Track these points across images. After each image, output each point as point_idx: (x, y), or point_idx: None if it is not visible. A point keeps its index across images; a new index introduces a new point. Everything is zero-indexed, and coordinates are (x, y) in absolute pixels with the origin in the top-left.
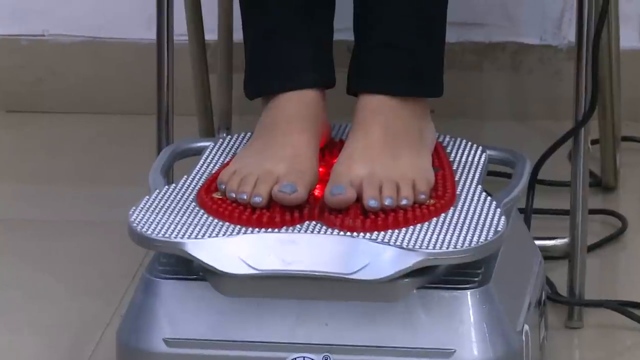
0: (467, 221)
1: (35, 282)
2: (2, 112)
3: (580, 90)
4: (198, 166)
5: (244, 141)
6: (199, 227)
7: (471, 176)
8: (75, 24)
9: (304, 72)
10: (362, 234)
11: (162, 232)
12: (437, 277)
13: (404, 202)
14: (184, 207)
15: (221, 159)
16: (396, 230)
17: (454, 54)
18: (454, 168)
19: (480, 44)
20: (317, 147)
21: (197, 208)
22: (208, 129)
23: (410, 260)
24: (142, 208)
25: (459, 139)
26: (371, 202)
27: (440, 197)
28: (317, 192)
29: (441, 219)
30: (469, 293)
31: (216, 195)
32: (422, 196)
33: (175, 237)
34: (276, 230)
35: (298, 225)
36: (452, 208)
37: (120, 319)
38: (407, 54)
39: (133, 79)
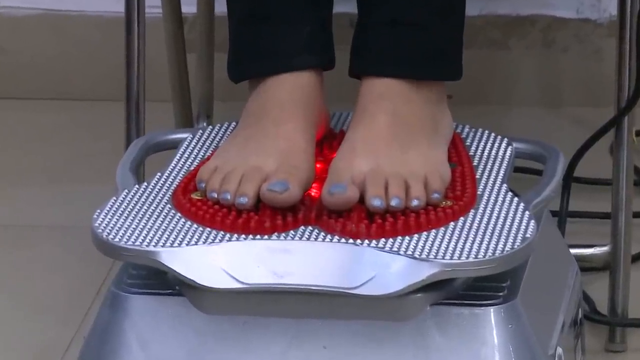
0: (490, 226)
1: None
2: None
3: (623, 72)
4: (174, 162)
5: (228, 132)
6: (174, 233)
7: (495, 173)
8: None
9: (299, 52)
10: (366, 241)
11: (132, 239)
12: (454, 291)
13: (414, 202)
14: (157, 210)
15: (201, 153)
16: (407, 237)
17: (475, 29)
18: (475, 163)
19: (507, 17)
20: (314, 138)
21: (173, 211)
22: (185, 118)
23: (424, 272)
24: (108, 211)
25: (480, 130)
26: (375, 202)
27: (459, 197)
28: (313, 192)
29: (459, 223)
30: (492, 310)
31: (195, 196)
32: (436, 195)
33: (146, 245)
34: (266, 236)
35: (291, 231)
36: (472, 210)
37: (83, 342)
38: (419, 31)
39: (98, 59)
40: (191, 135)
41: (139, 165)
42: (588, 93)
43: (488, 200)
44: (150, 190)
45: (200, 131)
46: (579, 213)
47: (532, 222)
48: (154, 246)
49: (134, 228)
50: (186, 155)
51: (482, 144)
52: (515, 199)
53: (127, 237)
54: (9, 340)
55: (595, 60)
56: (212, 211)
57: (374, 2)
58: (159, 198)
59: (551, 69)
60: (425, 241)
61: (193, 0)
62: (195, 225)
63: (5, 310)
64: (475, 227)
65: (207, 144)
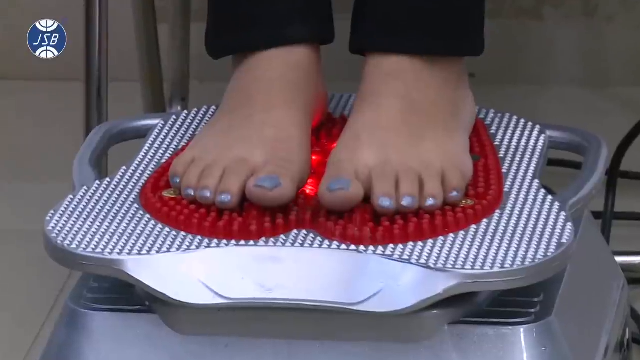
0: (519, 230)
1: None
2: None
3: None
4: (142, 153)
5: (207, 118)
6: (143, 238)
7: (525, 166)
8: None
9: (291, 22)
10: (372, 247)
11: (92, 246)
12: (477, 308)
13: (429, 202)
14: (122, 211)
15: (174, 143)
16: (420, 243)
17: None
18: (501, 155)
19: None
20: (309, 125)
21: (141, 211)
22: (156, 101)
23: (440, 285)
24: (63, 212)
25: (507, 115)
26: (383, 202)
27: (482, 195)
28: (308, 189)
29: (482, 226)
30: (522, 330)
31: (167, 194)
32: (456, 194)
33: (109, 253)
34: (252, 242)
35: (282, 236)
36: (497, 211)
37: None
38: None
39: None
40: (163, 122)
41: (101, 157)
42: (637, 70)
43: (517, 198)
44: (114, 187)
45: (174, 117)
46: (626, 214)
47: (570, 225)
48: (119, 254)
49: (94, 232)
50: (157, 145)
51: (509, 131)
52: (549, 197)
53: (87, 243)
54: None
55: None
56: (188, 212)
57: None
58: (125, 196)
59: (593, 41)
60: (442, 248)
61: None
62: (167, 229)
63: None
64: (502, 231)
65: (181, 131)
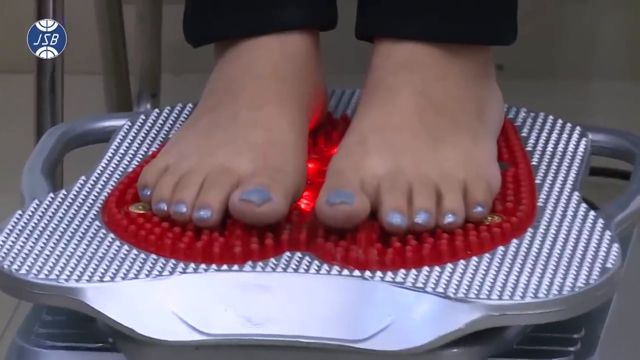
0: (556, 252)
1: None
2: None
3: None
4: (105, 159)
5: (182, 117)
6: (106, 261)
7: (562, 176)
8: None
9: (285, 4)
10: (379, 273)
11: (44, 271)
12: (506, 345)
13: (449, 219)
14: (81, 229)
15: (143, 148)
16: (437, 268)
17: None
18: (534, 163)
19: None
20: (306, 127)
21: (104, 230)
22: (121, 97)
23: (461, 318)
24: (10, 230)
25: (542, 115)
26: (393, 219)
27: (511, 211)
28: (304, 204)
29: (511, 248)
30: None
31: (135, 209)
32: (480, 209)
33: (65, 279)
34: (236, 267)
35: (272, 260)
36: (530, 230)
37: None
38: None
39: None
40: (129, 123)
41: (55, 165)
42: None
43: (553, 215)
44: (71, 200)
45: (143, 116)
46: None
47: (616, 247)
48: (77, 280)
49: (47, 255)
50: (122, 151)
51: (544, 134)
52: (592, 213)
53: (38, 268)
54: None
55: None
56: (160, 230)
57: None
58: (84, 212)
59: None
60: (463, 274)
61: None
62: (135, 251)
63: None
64: (535, 254)
65: (152, 134)
